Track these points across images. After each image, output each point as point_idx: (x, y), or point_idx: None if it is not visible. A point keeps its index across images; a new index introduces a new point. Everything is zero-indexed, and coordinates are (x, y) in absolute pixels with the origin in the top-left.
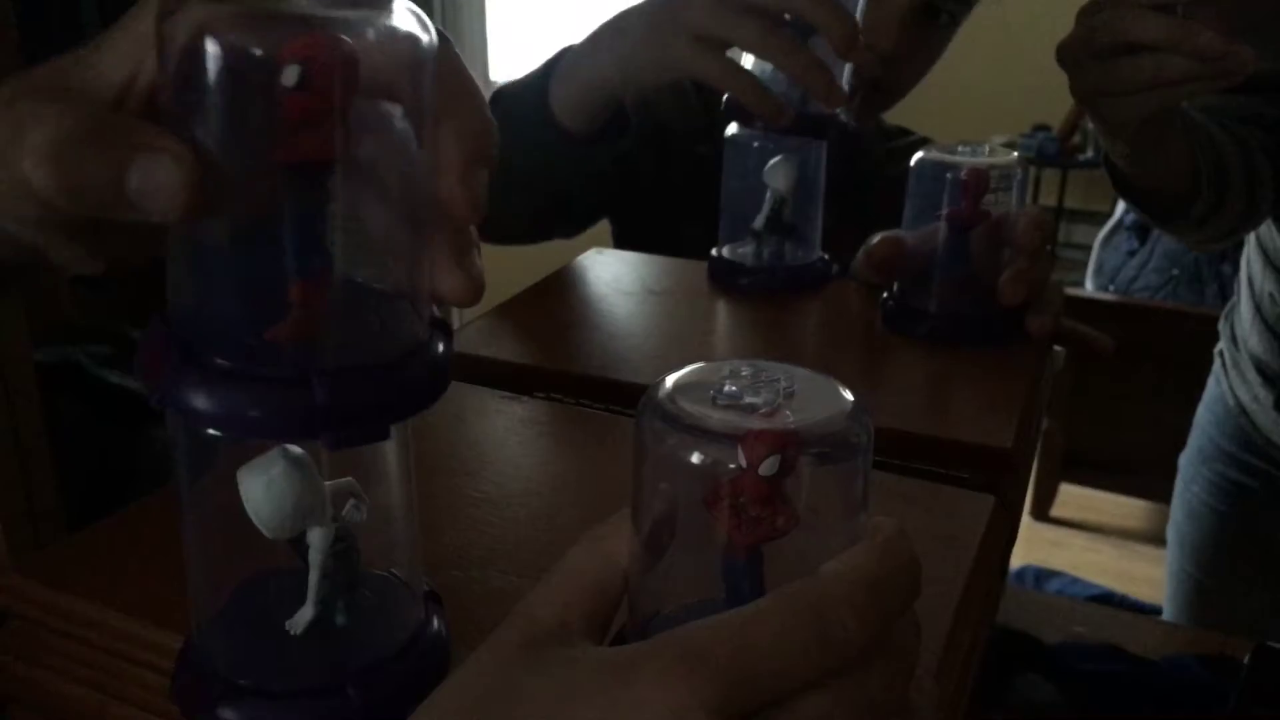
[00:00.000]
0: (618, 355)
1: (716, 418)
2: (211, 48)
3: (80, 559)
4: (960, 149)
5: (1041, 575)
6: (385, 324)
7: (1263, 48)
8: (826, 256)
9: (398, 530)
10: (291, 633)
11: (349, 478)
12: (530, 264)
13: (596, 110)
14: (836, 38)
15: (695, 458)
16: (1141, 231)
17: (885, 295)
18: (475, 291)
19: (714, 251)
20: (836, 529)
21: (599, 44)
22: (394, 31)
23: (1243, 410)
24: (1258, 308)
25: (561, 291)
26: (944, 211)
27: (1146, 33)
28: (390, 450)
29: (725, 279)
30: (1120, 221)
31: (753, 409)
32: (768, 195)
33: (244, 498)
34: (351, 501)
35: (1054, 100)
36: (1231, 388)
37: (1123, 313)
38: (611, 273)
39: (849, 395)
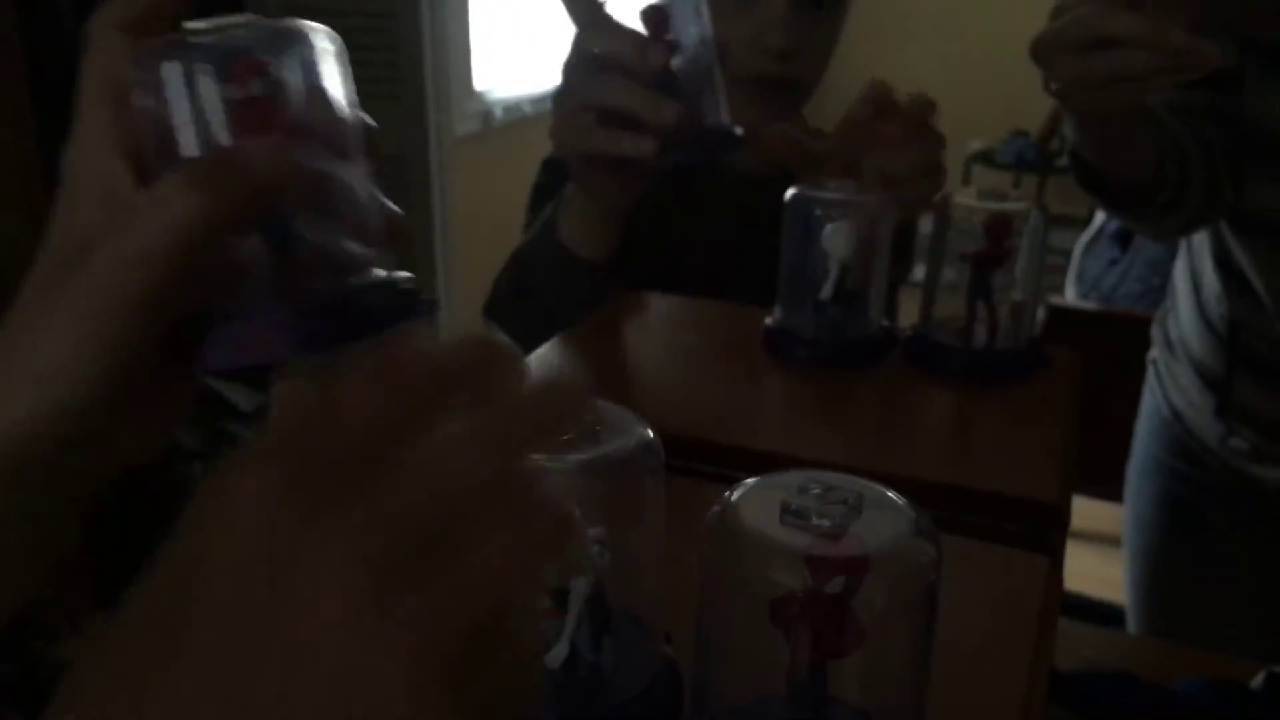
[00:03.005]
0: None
1: (784, 537)
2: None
3: None
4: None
5: None
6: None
7: (1221, 44)
8: (888, 324)
9: (642, 576)
10: (548, 667)
11: (599, 528)
12: None
13: (611, 236)
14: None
15: (763, 581)
16: (1123, 240)
17: (910, 333)
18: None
19: (768, 320)
20: (904, 641)
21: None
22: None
23: (1177, 417)
24: (1201, 309)
25: (609, 334)
26: (969, 251)
27: (1117, 28)
28: (643, 500)
29: (782, 350)
30: (1102, 229)
31: (820, 529)
32: (831, 262)
33: None
34: (597, 548)
35: (1032, 106)
36: (1166, 396)
37: (1105, 321)
38: (656, 316)
39: (914, 512)
